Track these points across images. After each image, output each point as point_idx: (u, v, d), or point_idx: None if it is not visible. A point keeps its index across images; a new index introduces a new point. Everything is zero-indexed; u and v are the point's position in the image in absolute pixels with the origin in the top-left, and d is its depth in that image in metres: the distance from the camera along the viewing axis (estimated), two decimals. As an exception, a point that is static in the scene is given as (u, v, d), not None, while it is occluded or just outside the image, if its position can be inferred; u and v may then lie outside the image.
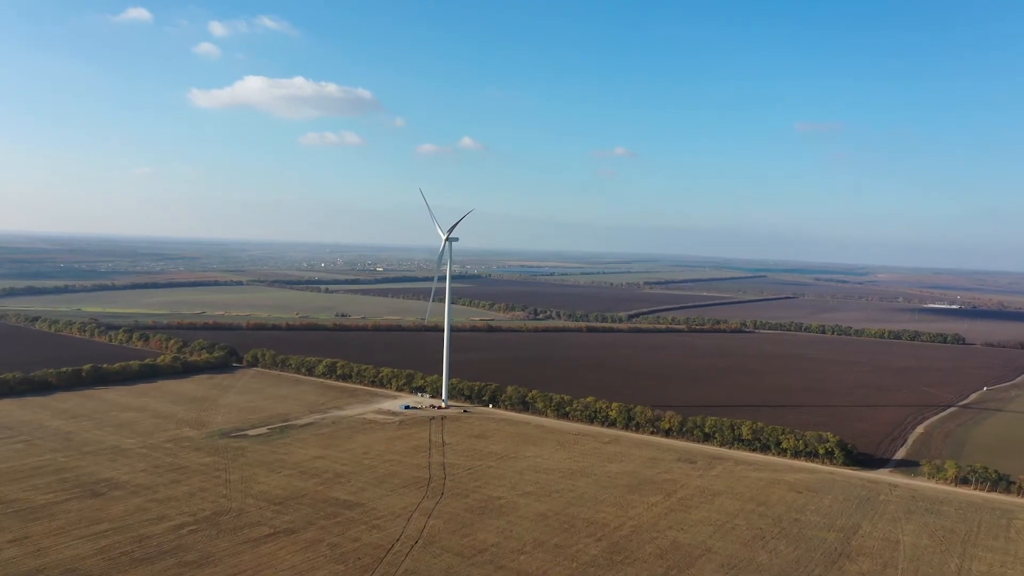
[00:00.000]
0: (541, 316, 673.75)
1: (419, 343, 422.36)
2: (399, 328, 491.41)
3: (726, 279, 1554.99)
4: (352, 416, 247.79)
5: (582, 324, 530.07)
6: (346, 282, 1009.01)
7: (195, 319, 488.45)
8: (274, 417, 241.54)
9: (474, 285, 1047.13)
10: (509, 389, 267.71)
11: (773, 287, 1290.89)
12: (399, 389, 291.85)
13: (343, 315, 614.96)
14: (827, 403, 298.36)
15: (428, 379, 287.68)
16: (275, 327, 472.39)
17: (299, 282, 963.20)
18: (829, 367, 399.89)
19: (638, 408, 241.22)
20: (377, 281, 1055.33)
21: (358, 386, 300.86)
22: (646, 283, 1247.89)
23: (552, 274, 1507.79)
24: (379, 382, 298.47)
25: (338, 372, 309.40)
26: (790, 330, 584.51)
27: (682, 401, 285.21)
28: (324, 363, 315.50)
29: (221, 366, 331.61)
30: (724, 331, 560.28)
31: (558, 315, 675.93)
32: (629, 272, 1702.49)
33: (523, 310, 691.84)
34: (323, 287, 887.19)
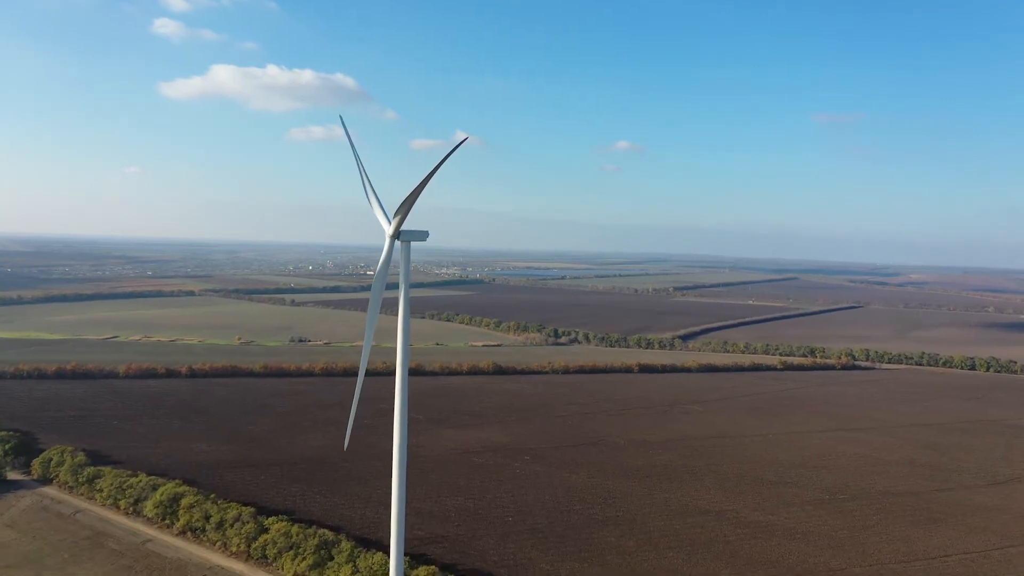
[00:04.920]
0: (564, 339, 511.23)
1: (388, 403, 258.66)
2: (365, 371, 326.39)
3: (758, 282, 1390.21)
4: None
5: (632, 362, 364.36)
6: (324, 290, 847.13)
7: (53, 359, 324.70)
8: None
9: (475, 293, 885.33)
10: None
11: (819, 292, 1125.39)
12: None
13: (301, 340, 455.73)
14: None
15: (367, 560, 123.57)
16: (170, 373, 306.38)
17: (266, 291, 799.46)
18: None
19: None
20: (363, 288, 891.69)
21: (217, 558, 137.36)
22: (675, 288, 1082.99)
23: (563, 277, 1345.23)
24: (261, 553, 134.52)
25: (182, 519, 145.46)
26: (921, 363, 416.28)
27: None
28: (162, 492, 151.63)
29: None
30: (833, 367, 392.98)
31: (586, 338, 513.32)
32: (646, 275, 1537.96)
33: (539, 331, 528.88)
34: (290, 298, 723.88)
